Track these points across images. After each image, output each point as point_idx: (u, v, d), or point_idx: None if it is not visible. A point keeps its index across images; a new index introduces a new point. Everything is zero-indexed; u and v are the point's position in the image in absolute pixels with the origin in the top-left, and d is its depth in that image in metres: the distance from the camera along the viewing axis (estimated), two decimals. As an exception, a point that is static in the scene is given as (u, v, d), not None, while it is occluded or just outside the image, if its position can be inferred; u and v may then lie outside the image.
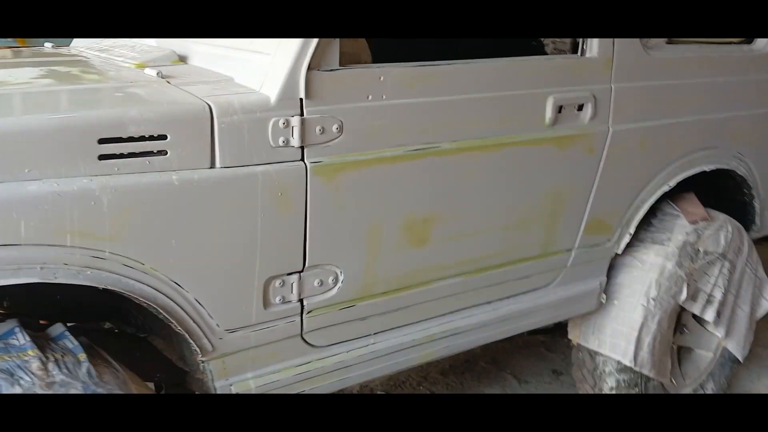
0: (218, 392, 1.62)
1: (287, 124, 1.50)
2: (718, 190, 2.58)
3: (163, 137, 1.38)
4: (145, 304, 1.43)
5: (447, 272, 1.90)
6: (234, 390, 1.62)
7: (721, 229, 2.47)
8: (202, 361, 1.57)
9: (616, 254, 2.30)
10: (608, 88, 2.04)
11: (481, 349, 2.89)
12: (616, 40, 2.03)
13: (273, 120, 1.49)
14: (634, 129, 2.13)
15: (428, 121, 1.73)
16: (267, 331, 1.62)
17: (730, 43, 2.47)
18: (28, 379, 1.30)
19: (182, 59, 1.84)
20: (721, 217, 2.49)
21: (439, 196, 1.80)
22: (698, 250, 2.41)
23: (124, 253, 1.36)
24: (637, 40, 2.08)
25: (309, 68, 1.52)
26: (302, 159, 1.54)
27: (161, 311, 1.44)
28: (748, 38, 2.47)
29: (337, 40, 1.57)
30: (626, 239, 2.29)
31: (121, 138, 1.35)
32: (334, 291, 1.70)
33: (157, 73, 1.63)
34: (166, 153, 1.39)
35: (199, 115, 1.42)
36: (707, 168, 2.37)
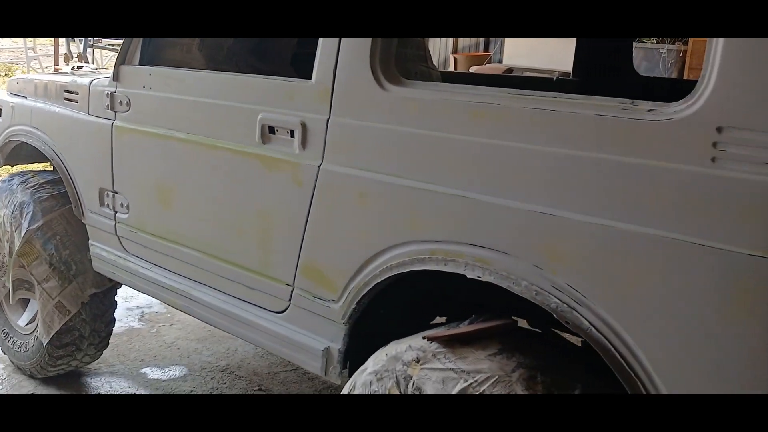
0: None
1: (108, 96, 2.47)
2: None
3: (77, 93, 2.65)
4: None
5: (187, 242, 2.30)
6: (91, 249, 2.71)
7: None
8: (81, 220, 2.73)
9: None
10: (323, 119, 1.83)
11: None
12: (340, 66, 1.79)
13: (106, 92, 2.49)
14: (350, 176, 1.79)
15: (171, 112, 2.27)
16: (101, 220, 2.63)
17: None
18: None
19: None
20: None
21: (175, 174, 2.28)
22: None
23: None
24: (368, 72, 1.73)
25: (122, 63, 2.43)
26: (114, 120, 2.47)
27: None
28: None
29: (139, 44, 2.38)
30: (351, 311, 1.84)
31: (71, 92, 2.70)
32: (127, 215, 2.50)
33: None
34: (78, 102, 2.65)
35: (84, 85, 2.60)
36: (471, 274, 1.55)
